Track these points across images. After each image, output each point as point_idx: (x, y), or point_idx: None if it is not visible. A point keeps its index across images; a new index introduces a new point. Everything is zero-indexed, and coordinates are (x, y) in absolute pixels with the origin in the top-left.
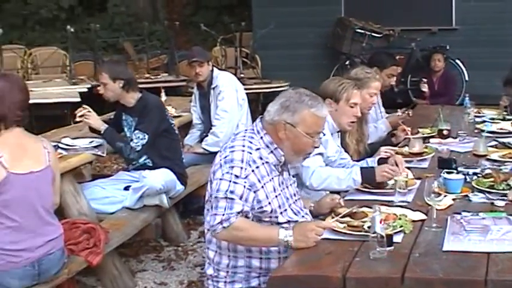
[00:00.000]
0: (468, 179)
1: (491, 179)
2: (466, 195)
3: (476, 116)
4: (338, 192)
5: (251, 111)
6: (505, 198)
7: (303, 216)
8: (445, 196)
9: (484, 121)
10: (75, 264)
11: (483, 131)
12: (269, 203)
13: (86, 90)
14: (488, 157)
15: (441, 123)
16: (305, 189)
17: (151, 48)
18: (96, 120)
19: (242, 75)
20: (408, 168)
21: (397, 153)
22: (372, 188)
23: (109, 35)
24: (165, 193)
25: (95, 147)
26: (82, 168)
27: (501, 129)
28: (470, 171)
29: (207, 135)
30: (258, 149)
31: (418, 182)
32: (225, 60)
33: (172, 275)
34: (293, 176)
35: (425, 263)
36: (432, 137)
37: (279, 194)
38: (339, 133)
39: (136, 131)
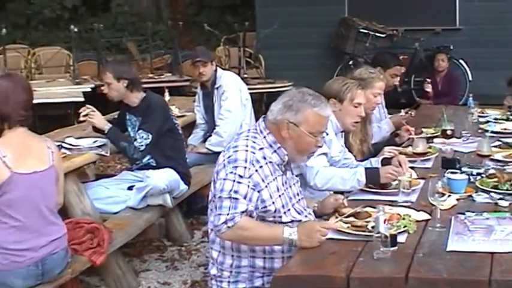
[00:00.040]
0: (472, 179)
1: (495, 179)
2: (470, 196)
3: (480, 116)
4: (342, 192)
5: (255, 111)
6: (509, 198)
7: (306, 216)
8: (448, 196)
9: (488, 121)
10: (78, 263)
11: (487, 131)
12: (273, 203)
13: (89, 90)
14: (492, 157)
15: (445, 123)
16: (309, 189)
17: (155, 48)
18: (100, 120)
19: (246, 75)
20: (412, 168)
21: (400, 153)
22: (376, 188)
23: (112, 35)
24: (168, 193)
25: (99, 146)
26: (86, 168)
27: (505, 129)
28: (474, 171)
29: (210, 135)
30: (261, 148)
31: (422, 182)
32: (229, 60)
33: (175, 275)
34: (296, 176)
35: (429, 263)
36: (436, 137)
37: (283, 194)
38: (343, 133)
39: (140, 131)
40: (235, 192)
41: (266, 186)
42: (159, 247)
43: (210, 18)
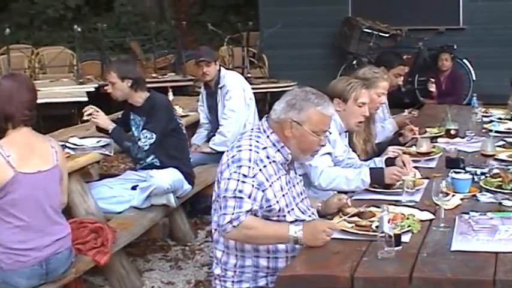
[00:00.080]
0: (476, 179)
1: (499, 179)
2: (474, 195)
3: (483, 116)
4: (345, 192)
5: (258, 110)
6: None
7: (309, 215)
8: (453, 196)
9: (492, 121)
10: (82, 263)
11: (491, 130)
12: (277, 202)
13: (93, 89)
14: (496, 157)
15: (449, 122)
16: (312, 188)
17: (158, 47)
18: (104, 120)
19: (249, 75)
20: (416, 167)
21: (404, 152)
22: (380, 188)
23: (116, 35)
24: (172, 192)
25: (103, 146)
26: (89, 168)
27: (509, 129)
28: (478, 171)
29: (214, 135)
30: (264, 148)
31: (426, 181)
32: (232, 60)
33: (179, 275)
34: (300, 176)
35: (434, 262)
36: (440, 136)
37: (286, 193)
38: (347, 133)
39: (144, 131)
40: (240, 191)
41: (270, 186)
42: (163, 247)
43: (214, 18)
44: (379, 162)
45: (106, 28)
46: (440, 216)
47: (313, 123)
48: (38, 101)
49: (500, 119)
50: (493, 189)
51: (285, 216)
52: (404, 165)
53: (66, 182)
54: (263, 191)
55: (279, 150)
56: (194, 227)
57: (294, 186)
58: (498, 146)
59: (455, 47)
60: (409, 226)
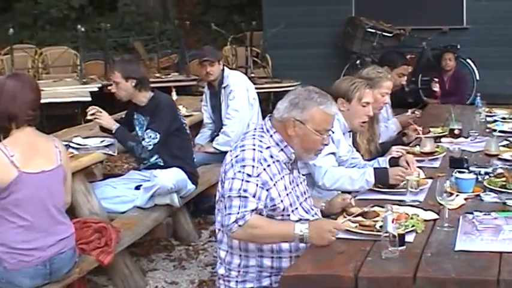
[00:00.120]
0: (480, 179)
1: (503, 179)
2: (478, 195)
3: (487, 116)
4: (349, 192)
5: (262, 110)
6: None
7: (313, 215)
8: (456, 196)
9: (496, 120)
10: (86, 263)
11: (494, 130)
12: (281, 201)
13: (96, 89)
14: (499, 156)
15: (452, 122)
16: (316, 188)
17: (162, 47)
18: (107, 120)
19: (253, 75)
20: (420, 167)
21: (408, 152)
22: (384, 188)
23: (119, 35)
24: (176, 192)
25: (106, 146)
26: (93, 168)
27: None
28: (482, 170)
29: (217, 135)
30: (268, 147)
31: (430, 181)
32: (236, 60)
33: (183, 274)
34: (303, 175)
35: (438, 262)
36: (443, 136)
37: (290, 192)
38: (350, 133)
39: (148, 130)
40: (245, 191)
41: (274, 185)
42: (167, 246)
43: (217, 18)
44: (383, 162)
45: (109, 28)
46: (444, 216)
47: (316, 122)
48: (42, 101)
49: (504, 118)
50: (497, 189)
51: (289, 215)
52: (408, 165)
53: (70, 182)
54: (267, 190)
55: (282, 149)
56: (198, 227)
57: (297, 185)
58: (502, 146)
59: (458, 46)
60: (413, 226)
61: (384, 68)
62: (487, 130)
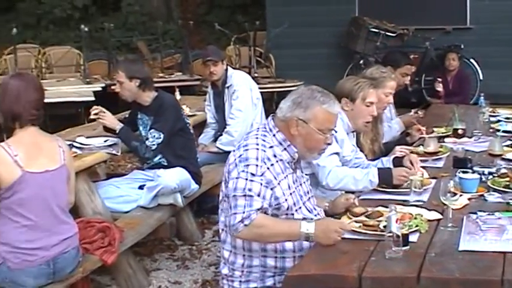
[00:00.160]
0: (484, 179)
1: (507, 179)
2: (482, 195)
3: (491, 115)
4: (353, 192)
5: (265, 110)
6: None
7: (316, 214)
8: (460, 196)
9: (499, 120)
10: (89, 263)
11: (498, 130)
12: (285, 200)
13: (100, 89)
14: (503, 156)
15: (456, 122)
16: (320, 188)
17: (165, 47)
18: (111, 120)
19: (256, 75)
20: (423, 167)
21: (412, 152)
22: (388, 188)
23: (123, 34)
24: (179, 192)
25: (110, 146)
26: (97, 167)
27: None
28: (486, 170)
29: (221, 135)
30: (271, 146)
31: (434, 181)
32: (239, 60)
33: (186, 274)
34: (307, 175)
35: (441, 262)
36: (447, 136)
37: (294, 192)
38: (354, 133)
39: (152, 130)
40: (249, 190)
41: (278, 184)
42: (170, 246)
43: (221, 18)
44: (386, 162)
45: (113, 28)
46: (448, 216)
47: (319, 122)
48: (45, 101)
49: (507, 118)
50: (500, 189)
51: (293, 214)
52: (412, 165)
53: (74, 182)
54: (272, 189)
55: (285, 148)
56: (201, 227)
57: (300, 184)
58: (506, 146)
59: (462, 46)
60: (416, 226)
61: (387, 67)
62: (491, 130)
